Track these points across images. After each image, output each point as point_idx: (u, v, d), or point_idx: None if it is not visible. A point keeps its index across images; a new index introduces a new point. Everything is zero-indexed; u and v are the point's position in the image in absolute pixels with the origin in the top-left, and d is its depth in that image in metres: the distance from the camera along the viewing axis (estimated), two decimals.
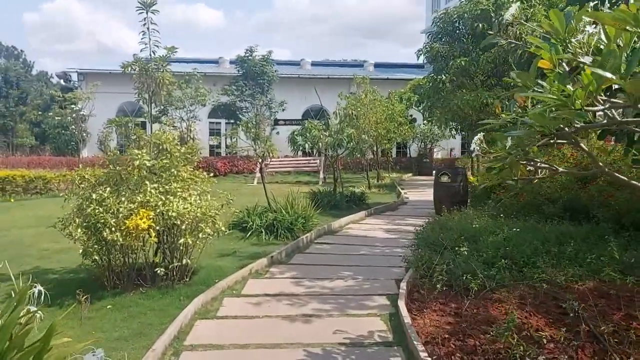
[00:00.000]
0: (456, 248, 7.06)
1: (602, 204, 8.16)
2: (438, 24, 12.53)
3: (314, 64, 35.42)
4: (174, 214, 5.91)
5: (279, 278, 6.78)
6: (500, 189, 12.19)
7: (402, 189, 17.75)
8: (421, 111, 15.96)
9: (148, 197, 5.93)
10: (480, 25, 11.25)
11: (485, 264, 6.34)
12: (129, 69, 6.59)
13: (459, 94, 11.59)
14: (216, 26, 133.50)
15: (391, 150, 26.74)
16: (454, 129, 13.97)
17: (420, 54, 12.63)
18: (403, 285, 5.92)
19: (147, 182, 6.03)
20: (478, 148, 3.65)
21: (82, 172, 6.24)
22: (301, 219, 9.78)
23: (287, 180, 21.88)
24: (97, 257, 5.87)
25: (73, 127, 22.21)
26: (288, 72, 29.60)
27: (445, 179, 11.71)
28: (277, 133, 24.21)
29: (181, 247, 6.24)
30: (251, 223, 9.44)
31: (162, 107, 22.27)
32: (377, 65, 36.03)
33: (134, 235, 5.75)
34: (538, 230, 7.82)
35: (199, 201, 6.37)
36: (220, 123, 28.58)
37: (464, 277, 5.65)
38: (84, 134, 22.62)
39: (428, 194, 16.74)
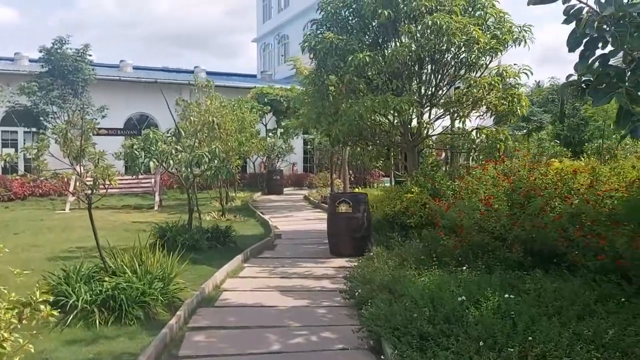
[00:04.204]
0: (447, 339, 4.35)
1: (586, 247, 6.04)
2: (327, 9, 9.64)
3: (136, 68, 30.81)
4: None
5: None
6: (405, 217, 9.83)
7: (263, 214, 14.68)
8: (289, 121, 13.09)
9: None
10: (386, 12, 8.76)
11: None
12: None
13: (360, 99, 8.88)
14: (7, 24, 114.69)
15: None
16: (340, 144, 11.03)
17: (306, 46, 9.63)
18: None
19: None
20: None
21: None
22: (158, 283, 6.20)
23: (112, 205, 17.40)
24: None
25: None
26: (106, 75, 24.77)
27: (344, 208, 8.96)
28: (94, 144, 19.40)
29: None
30: (75, 298, 5.61)
31: None
32: (209, 73, 32.63)
33: None
34: (525, 293, 5.45)
35: None
36: (17, 132, 22.68)
37: None
38: None
39: (298, 221, 13.97)
